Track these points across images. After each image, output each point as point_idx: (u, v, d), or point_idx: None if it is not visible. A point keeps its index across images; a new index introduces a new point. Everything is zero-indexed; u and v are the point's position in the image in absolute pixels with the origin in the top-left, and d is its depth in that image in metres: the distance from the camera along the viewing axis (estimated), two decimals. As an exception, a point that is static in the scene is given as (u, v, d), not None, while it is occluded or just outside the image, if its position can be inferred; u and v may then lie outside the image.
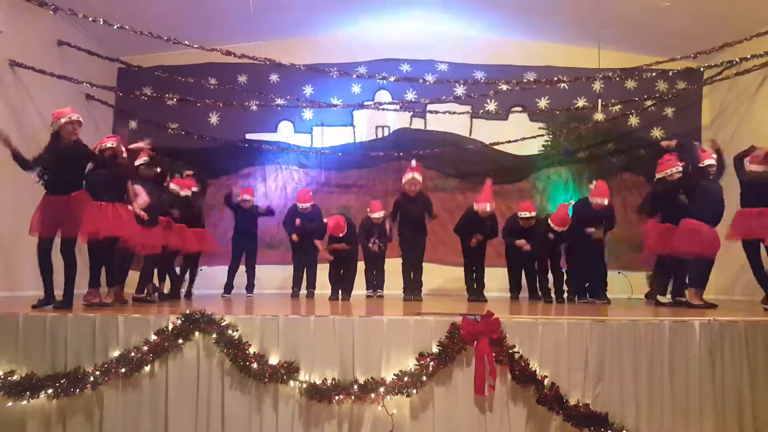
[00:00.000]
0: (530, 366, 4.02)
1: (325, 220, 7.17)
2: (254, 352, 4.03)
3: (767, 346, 4.17)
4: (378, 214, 7.31)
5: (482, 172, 9.22)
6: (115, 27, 6.65)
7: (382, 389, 3.93)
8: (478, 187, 9.10)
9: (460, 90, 9.05)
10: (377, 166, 9.37)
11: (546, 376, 4.02)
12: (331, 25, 9.16)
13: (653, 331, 4.16)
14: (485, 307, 4.83)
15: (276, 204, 9.22)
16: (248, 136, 9.48)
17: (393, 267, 7.46)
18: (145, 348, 3.99)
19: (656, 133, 9.16)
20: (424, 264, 7.27)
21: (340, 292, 7.16)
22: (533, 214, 6.91)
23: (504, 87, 8.22)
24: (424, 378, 3.96)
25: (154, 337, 4.03)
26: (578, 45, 8.80)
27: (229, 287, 7.74)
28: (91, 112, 8.30)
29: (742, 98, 8.14)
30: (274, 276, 8.56)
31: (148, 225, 5.50)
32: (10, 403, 3.90)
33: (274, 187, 9.41)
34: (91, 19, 6.62)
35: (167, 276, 6.64)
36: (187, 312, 4.11)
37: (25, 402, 3.90)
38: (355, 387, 3.96)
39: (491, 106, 9.28)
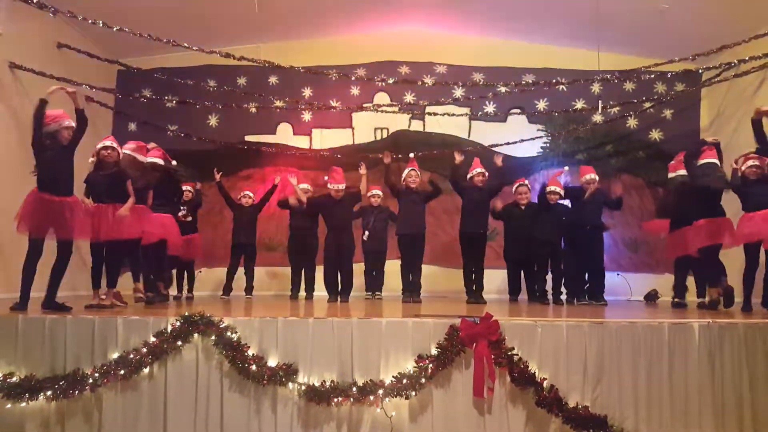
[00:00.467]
0: (529, 368, 4.02)
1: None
2: (253, 354, 4.03)
3: (767, 348, 4.17)
4: (375, 192, 7.52)
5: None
6: (114, 29, 6.65)
7: (381, 391, 3.93)
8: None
9: (458, 92, 9.06)
10: (376, 168, 9.35)
11: (545, 378, 4.02)
12: (330, 27, 9.17)
13: (652, 333, 4.17)
14: (484, 309, 4.84)
15: (275, 206, 9.22)
16: (247, 137, 9.48)
17: (392, 269, 7.46)
18: (144, 350, 4.00)
19: (654, 134, 9.18)
20: (423, 266, 7.29)
21: (338, 294, 7.17)
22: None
23: (503, 89, 8.23)
24: (423, 380, 3.96)
25: (153, 339, 4.04)
26: (577, 47, 8.82)
27: (227, 289, 7.74)
28: (90, 114, 8.24)
29: (740, 100, 8.14)
30: (273, 278, 8.56)
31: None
32: (9, 405, 3.91)
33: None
34: (90, 21, 6.63)
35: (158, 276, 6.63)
36: (186, 314, 4.12)
37: (24, 404, 3.90)
38: (354, 389, 3.96)
39: (490, 108, 9.29)
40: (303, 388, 3.98)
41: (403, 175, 7.04)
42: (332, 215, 7.11)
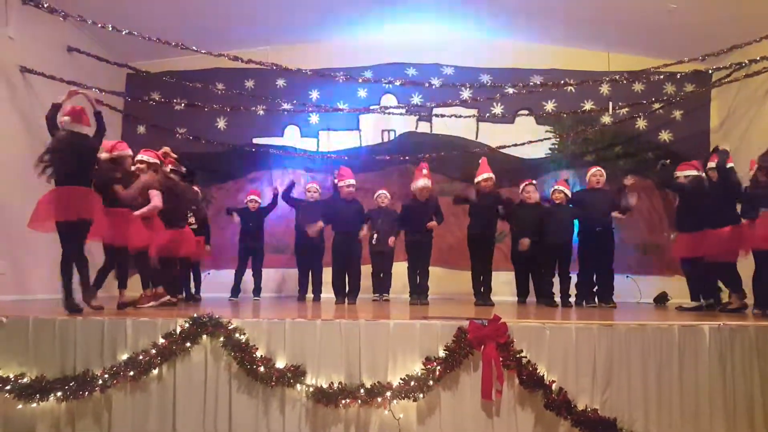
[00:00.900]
0: (538, 371, 4.00)
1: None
2: (261, 356, 4.04)
3: (778, 350, 4.14)
4: (382, 192, 7.53)
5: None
6: (123, 33, 6.70)
7: (388, 393, 3.93)
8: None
9: (466, 93, 9.05)
10: (383, 169, 9.37)
11: (554, 381, 4.00)
12: (336, 29, 9.18)
13: (662, 335, 4.14)
14: (492, 312, 4.82)
15: (282, 208, 9.26)
16: (255, 140, 9.52)
17: (399, 270, 7.46)
18: (153, 351, 4.02)
19: (664, 136, 9.12)
20: (430, 268, 7.28)
21: (346, 295, 7.17)
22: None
23: (510, 90, 8.21)
24: (431, 382, 3.95)
25: (162, 341, 4.06)
26: (585, 48, 8.79)
27: (236, 291, 7.77)
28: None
29: (751, 100, 8.08)
30: (280, 279, 8.58)
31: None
32: (20, 406, 3.94)
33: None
34: (100, 25, 6.68)
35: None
36: (195, 315, 4.14)
37: (34, 404, 3.93)
38: (362, 391, 3.96)
39: (497, 110, 9.28)
40: (311, 389, 3.98)
41: (416, 185, 7.00)
42: (339, 218, 7.13)
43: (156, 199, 5.58)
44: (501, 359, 3.99)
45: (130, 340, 4.11)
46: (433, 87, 8.55)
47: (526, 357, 4.03)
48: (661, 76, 8.57)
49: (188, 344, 4.07)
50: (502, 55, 9.33)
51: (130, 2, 7.48)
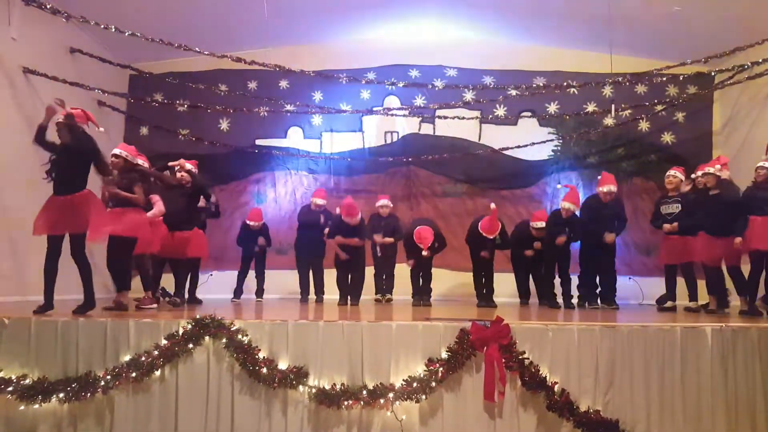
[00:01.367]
0: (540, 372, 4.00)
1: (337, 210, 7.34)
2: (264, 357, 4.04)
3: (780, 352, 4.13)
4: (383, 202, 7.44)
5: (491, 177, 9.25)
6: (126, 34, 6.70)
7: (391, 395, 3.93)
8: (487, 192, 9.17)
9: (469, 95, 9.03)
10: (386, 171, 9.37)
11: (556, 382, 4.00)
12: (339, 31, 9.19)
13: (664, 337, 4.13)
14: (495, 313, 4.82)
15: (286, 209, 9.28)
16: (258, 141, 9.52)
17: (402, 272, 7.46)
18: (156, 352, 4.03)
19: (667, 137, 9.11)
20: (433, 269, 7.28)
21: (348, 297, 7.17)
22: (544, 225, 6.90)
23: (513, 92, 8.21)
24: (434, 384, 3.96)
25: (164, 342, 4.06)
26: (588, 50, 8.77)
27: (238, 292, 7.77)
28: (102, 119, 8.36)
29: (753, 102, 8.07)
30: (283, 281, 8.57)
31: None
32: (22, 407, 3.95)
33: (284, 193, 9.44)
34: (102, 26, 6.69)
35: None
36: (198, 317, 4.14)
37: (37, 405, 3.94)
38: (364, 392, 3.96)
39: (500, 111, 9.27)
40: (313, 391, 3.98)
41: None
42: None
43: (159, 203, 5.68)
44: (503, 361, 3.99)
45: (132, 341, 4.12)
46: (436, 89, 8.55)
47: (528, 358, 4.03)
48: (664, 78, 8.53)
49: (191, 345, 4.08)
50: (506, 56, 9.32)
51: (133, 3, 7.48)
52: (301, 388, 4.00)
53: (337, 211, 7.27)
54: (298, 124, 9.59)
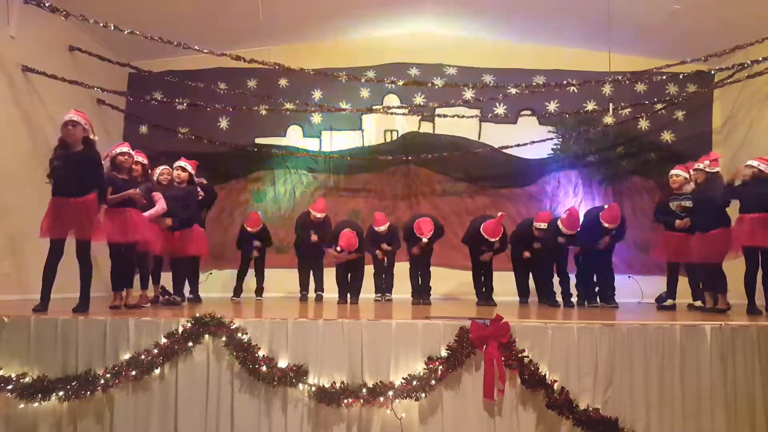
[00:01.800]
0: (540, 370, 4.01)
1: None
2: (263, 355, 4.05)
3: (780, 351, 4.13)
4: (383, 227, 7.25)
5: (491, 176, 9.25)
6: (125, 32, 6.69)
7: (390, 393, 3.93)
8: (487, 191, 9.19)
9: (468, 94, 9.03)
10: (386, 170, 9.37)
11: (555, 381, 4.00)
12: (339, 29, 9.19)
13: (664, 335, 4.14)
14: (494, 311, 4.82)
15: (285, 208, 9.28)
16: (257, 140, 9.51)
17: (401, 271, 7.46)
18: (155, 351, 4.03)
19: (666, 136, 9.11)
20: (432, 268, 7.29)
21: (348, 295, 7.17)
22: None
23: (513, 90, 8.19)
24: (433, 382, 3.96)
25: (164, 340, 4.07)
26: (588, 48, 8.77)
27: (238, 290, 7.77)
28: (102, 117, 8.38)
29: (753, 101, 8.07)
30: (282, 279, 8.57)
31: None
32: (22, 405, 3.95)
33: (283, 191, 9.45)
34: (102, 24, 6.68)
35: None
36: (197, 315, 4.14)
37: (36, 404, 3.94)
38: (364, 390, 3.96)
39: (500, 110, 9.26)
40: (313, 389, 3.99)
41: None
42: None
43: (161, 202, 5.69)
44: (503, 359, 4.00)
45: (132, 339, 4.12)
46: (436, 87, 8.54)
47: (528, 356, 4.04)
48: (664, 77, 8.55)
49: (190, 344, 4.08)
50: (505, 55, 9.32)
51: (132, 1, 7.47)
52: (300, 386, 4.00)
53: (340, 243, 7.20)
54: (298, 122, 9.59)
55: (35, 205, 4.87)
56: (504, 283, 7.56)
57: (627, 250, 8.54)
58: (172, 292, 6.41)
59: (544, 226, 6.79)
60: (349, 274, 7.25)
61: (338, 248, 6.87)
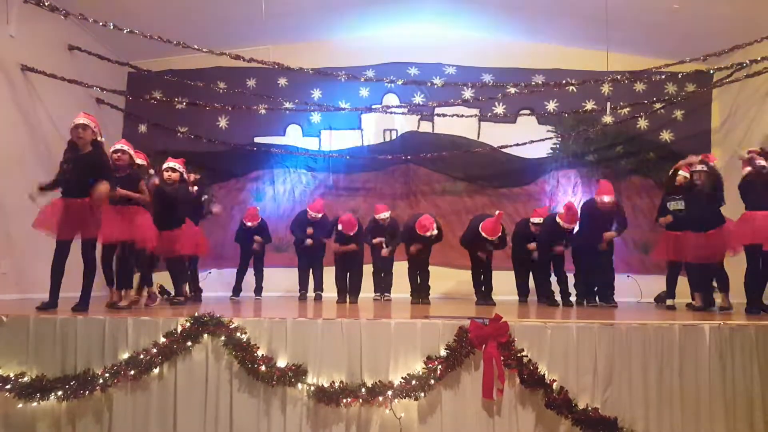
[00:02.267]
0: (539, 370, 4.01)
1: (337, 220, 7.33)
2: (262, 355, 4.04)
3: (779, 350, 4.13)
4: (384, 215, 7.31)
5: (490, 175, 9.26)
6: (125, 31, 6.68)
7: (389, 392, 3.93)
8: (486, 190, 9.19)
9: (468, 93, 9.03)
10: (385, 169, 9.38)
11: (555, 380, 4.00)
12: (338, 29, 9.18)
13: (663, 335, 4.13)
14: (493, 311, 4.82)
15: (284, 207, 9.28)
16: (257, 139, 9.52)
17: (400, 270, 7.46)
18: (154, 350, 4.02)
19: (665, 135, 9.12)
20: (431, 267, 7.29)
21: (347, 295, 7.17)
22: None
23: (512, 90, 8.19)
24: (432, 381, 3.95)
25: (163, 340, 4.06)
26: (587, 48, 8.77)
27: (237, 290, 7.77)
28: (101, 116, 8.33)
29: (752, 100, 8.08)
30: (282, 279, 8.58)
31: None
32: (20, 405, 3.94)
33: (282, 191, 9.45)
34: (101, 23, 6.67)
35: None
36: (196, 314, 4.14)
37: (35, 403, 3.93)
38: (363, 390, 3.96)
39: (499, 109, 9.27)
40: (312, 388, 3.98)
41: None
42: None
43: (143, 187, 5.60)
44: (502, 358, 3.99)
45: (131, 339, 4.11)
46: (435, 86, 8.53)
47: (527, 356, 4.03)
48: (663, 76, 8.55)
49: (189, 343, 4.07)
50: (504, 54, 9.32)
51: (132, 1, 7.47)
52: (299, 385, 3.99)
53: (339, 227, 7.26)
54: (297, 121, 9.60)
55: (34, 205, 4.86)
56: (503, 282, 7.57)
57: (626, 249, 8.55)
58: (171, 293, 6.40)
59: (539, 220, 6.81)
60: (348, 274, 7.25)
61: (338, 225, 7.06)
